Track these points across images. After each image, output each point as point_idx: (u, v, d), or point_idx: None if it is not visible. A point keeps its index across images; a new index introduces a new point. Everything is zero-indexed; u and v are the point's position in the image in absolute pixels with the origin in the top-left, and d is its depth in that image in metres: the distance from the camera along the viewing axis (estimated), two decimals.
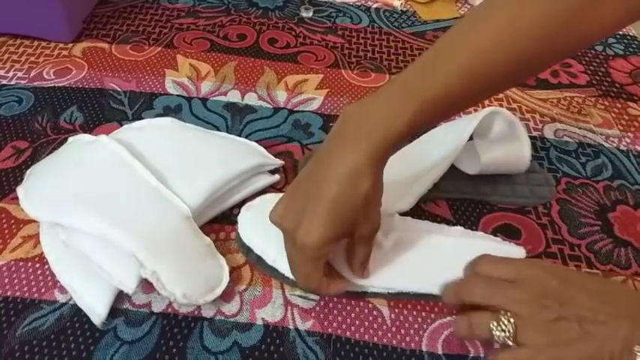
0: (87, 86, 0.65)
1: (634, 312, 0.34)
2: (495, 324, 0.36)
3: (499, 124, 0.55)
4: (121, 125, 0.58)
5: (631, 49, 0.81)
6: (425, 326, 0.45)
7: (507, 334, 0.36)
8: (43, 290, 0.45)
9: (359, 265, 0.44)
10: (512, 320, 0.36)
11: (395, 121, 0.37)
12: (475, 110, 0.58)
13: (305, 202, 0.38)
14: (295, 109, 0.65)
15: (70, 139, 0.53)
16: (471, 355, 0.44)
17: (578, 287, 0.37)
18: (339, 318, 0.45)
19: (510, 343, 0.36)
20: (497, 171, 0.55)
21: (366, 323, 0.45)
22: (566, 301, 0.36)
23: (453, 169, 0.57)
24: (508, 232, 0.53)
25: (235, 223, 0.50)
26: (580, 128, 0.66)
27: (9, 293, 0.44)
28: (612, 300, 0.36)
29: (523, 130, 0.54)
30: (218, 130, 0.60)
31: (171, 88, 0.66)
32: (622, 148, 0.64)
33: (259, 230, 0.48)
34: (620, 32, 0.85)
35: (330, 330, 0.44)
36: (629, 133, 0.66)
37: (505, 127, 0.55)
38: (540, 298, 0.36)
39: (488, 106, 0.68)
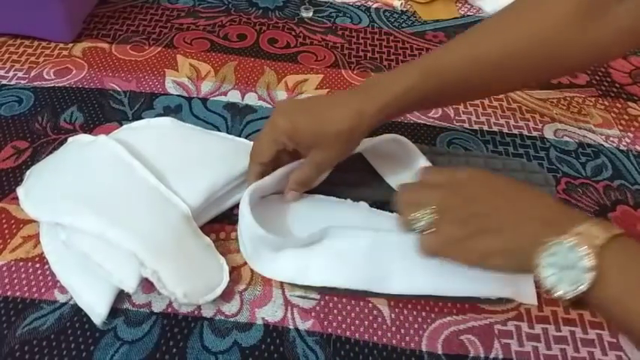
0: (87, 86, 0.65)
1: (544, 216, 0.37)
2: (418, 215, 0.40)
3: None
4: (121, 125, 0.58)
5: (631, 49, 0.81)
6: (425, 326, 0.45)
7: (426, 224, 0.39)
8: (43, 290, 0.45)
9: (293, 182, 0.50)
10: (432, 213, 0.39)
11: (392, 88, 0.46)
12: None
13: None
14: None
15: (70, 139, 0.53)
16: (471, 355, 0.44)
17: (496, 192, 0.40)
18: (339, 318, 0.45)
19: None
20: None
21: (366, 323, 0.45)
22: (483, 201, 0.39)
23: None
24: None
25: (235, 223, 0.50)
26: (580, 128, 0.66)
27: (9, 293, 0.44)
28: (526, 206, 0.38)
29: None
30: (218, 130, 0.60)
31: (171, 88, 0.66)
32: (622, 148, 0.64)
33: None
34: None
35: (330, 330, 0.44)
36: (629, 133, 0.66)
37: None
38: (460, 198, 0.39)
39: (489, 105, 0.68)
